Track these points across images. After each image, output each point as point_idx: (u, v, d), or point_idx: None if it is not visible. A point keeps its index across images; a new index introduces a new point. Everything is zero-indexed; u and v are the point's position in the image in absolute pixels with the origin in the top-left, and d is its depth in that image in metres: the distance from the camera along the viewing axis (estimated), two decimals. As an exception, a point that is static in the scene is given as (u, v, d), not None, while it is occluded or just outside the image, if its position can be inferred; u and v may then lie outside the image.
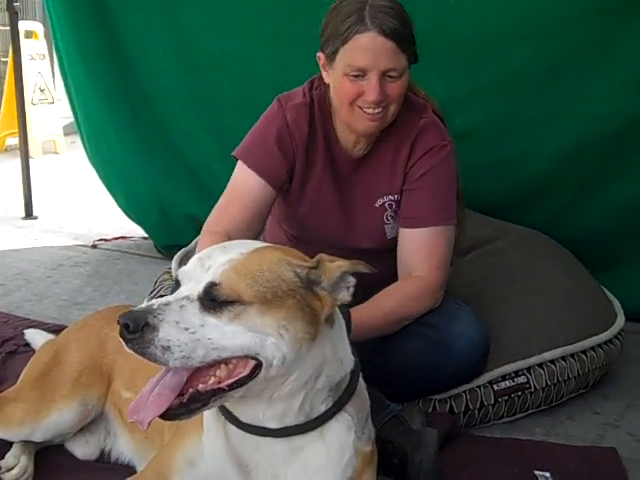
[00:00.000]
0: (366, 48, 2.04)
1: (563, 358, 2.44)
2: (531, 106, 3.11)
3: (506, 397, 2.36)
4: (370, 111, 2.11)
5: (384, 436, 1.94)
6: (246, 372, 1.36)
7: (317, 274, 1.42)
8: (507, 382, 2.36)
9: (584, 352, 2.50)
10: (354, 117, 2.15)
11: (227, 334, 1.32)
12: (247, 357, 1.35)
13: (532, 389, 2.39)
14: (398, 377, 2.16)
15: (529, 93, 3.09)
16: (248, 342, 1.33)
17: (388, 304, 2.16)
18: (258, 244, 1.47)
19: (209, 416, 1.55)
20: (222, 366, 1.36)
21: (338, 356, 1.49)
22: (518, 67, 3.06)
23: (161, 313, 1.30)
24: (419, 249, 2.20)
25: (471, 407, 2.33)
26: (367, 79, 2.07)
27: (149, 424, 1.35)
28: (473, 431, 2.33)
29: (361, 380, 1.59)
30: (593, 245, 3.16)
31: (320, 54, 2.18)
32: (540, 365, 2.41)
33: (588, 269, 2.89)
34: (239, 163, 2.25)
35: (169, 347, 1.28)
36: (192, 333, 1.30)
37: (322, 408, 1.48)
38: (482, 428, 2.35)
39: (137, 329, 1.27)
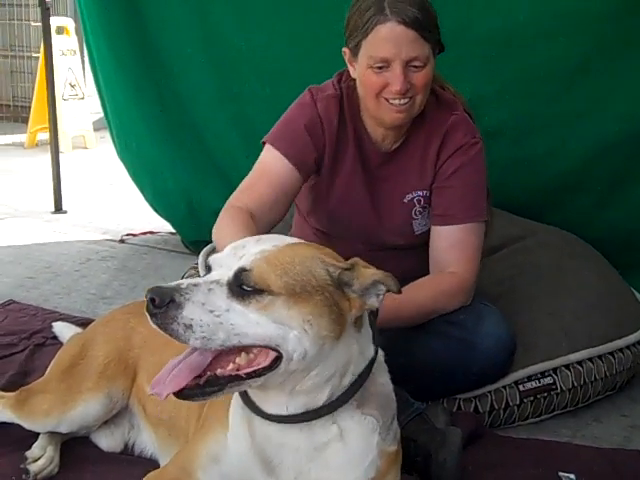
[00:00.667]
0: (387, 38, 2.05)
1: (590, 359, 2.42)
2: (559, 104, 3.07)
3: (532, 398, 2.34)
4: (396, 102, 2.10)
5: (408, 434, 1.93)
6: (266, 363, 1.36)
7: (350, 276, 1.41)
8: (533, 383, 2.34)
9: (612, 354, 2.47)
10: (381, 109, 2.14)
11: (251, 322, 1.33)
12: (268, 347, 1.35)
13: (558, 390, 2.37)
14: (423, 375, 2.15)
15: (557, 91, 3.06)
16: (271, 333, 1.33)
17: (422, 297, 2.16)
18: (293, 239, 1.48)
19: (235, 412, 1.55)
20: (242, 354, 1.36)
21: (365, 356, 1.49)
22: (546, 65, 3.03)
23: (188, 292, 1.31)
24: (452, 247, 2.20)
25: (496, 407, 2.31)
26: (391, 70, 2.07)
27: (167, 396, 1.36)
28: (498, 431, 2.31)
29: (389, 381, 1.59)
30: (622, 245, 3.13)
31: (345, 49, 2.19)
32: (567, 366, 2.39)
33: (617, 270, 2.86)
34: (267, 147, 2.23)
35: (191, 326, 1.30)
36: (216, 316, 1.31)
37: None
38: (507, 428, 2.34)
39: (162, 304, 1.29)
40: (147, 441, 2.04)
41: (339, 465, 1.48)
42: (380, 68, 2.08)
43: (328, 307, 1.37)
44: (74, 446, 2.08)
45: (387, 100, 2.11)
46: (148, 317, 1.31)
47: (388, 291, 1.43)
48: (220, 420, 1.58)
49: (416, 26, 2.04)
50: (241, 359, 1.36)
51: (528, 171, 3.20)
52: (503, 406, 2.32)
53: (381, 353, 1.58)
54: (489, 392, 2.30)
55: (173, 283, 1.34)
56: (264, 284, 1.33)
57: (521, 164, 3.19)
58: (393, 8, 2.03)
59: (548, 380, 2.36)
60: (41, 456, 1.97)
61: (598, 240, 2.98)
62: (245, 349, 1.36)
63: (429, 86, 2.15)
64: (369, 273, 1.42)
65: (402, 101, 2.10)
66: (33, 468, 1.93)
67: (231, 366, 1.37)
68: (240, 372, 1.37)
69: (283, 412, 1.45)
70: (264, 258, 1.36)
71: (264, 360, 1.36)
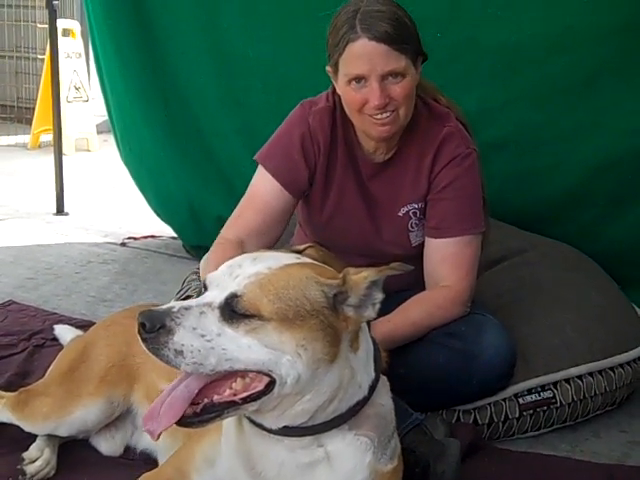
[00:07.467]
0: (359, 55, 2.05)
1: (590, 374, 2.41)
2: (564, 118, 3.08)
3: (531, 411, 2.34)
4: (378, 117, 2.10)
5: (406, 445, 1.92)
6: (261, 387, 1.35)
7: (345, 291, 1.38)
8: (533, 396, 2.34)
9: (612, 369, 2.46)
10: (365, 124, 2.15)
11: (242, 347, 1.32)
12: (260, 372, 1.34)
13: (558, 404, 2.37)
14: (423, 386, 2.15)
15: (562, 105, 3.06)
16: (262, 357, 1.32)
17: (417, 314, 2.17)
18: (289, 259, 1.44)
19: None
20: (238, 379, 1.36)
21: (357, 381, 1.45)
22: (552, 78, 3.04)
23: (179, 317, 1.30)
24: (446, 259, 2.20)
25: (495, 420, 2.30)
26: (368, 85, 2.07)
27: (159, 435, 1.35)
28: (496, 444, 2.30)
29: (389, 401, 1.57)
30: (624, 260, 3.12)
31: (328, 67, 2.19)
32: (567, 380, 2.38)
33: (618, 285, 2.86)
34: (259, 168, 2.26)
35: (182, 352, 1.29)
36: (208, 341, 1.30)
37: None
38: (506, 441, 2.33)
39: (153, 330, 1.29)
40: (150, 443, 2.02)
41: None
42: (358, 84, 2.08)
43: (323, 330, 1.35)
44: (72, 449, 2.07)
45: (370, 115, 2.11)
46: (140, 341, 1.31)
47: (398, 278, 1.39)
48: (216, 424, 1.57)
49: (388, 41, 2.03)
50: (237, 384, 1.36)
51: (531, 184, 3.20)
52: (502, 419, 2.31)
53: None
54: (489, 404, 2.29)
55: (165, 306, 1.33)
56: (254, 310, 1.32)
57: (525, 177, 3.19)
58: (363, 25, 2.03)
59: (548, 394, 2.35)
60: (38, 458, 1.97)
61: (599, 254, 2.98)
62: (241, 374, 1.34)
63: (412, 97, 2.14)
64: (361, 277, 1.39)
65: (384, 115, 2.10)
66: (30, 469, 1.93)
67: (228, 392, 1.36)
68: (236, 397, 1.36)
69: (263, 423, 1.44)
70: (257, 282, 1.34)
71: (259, 384, 1.35)
